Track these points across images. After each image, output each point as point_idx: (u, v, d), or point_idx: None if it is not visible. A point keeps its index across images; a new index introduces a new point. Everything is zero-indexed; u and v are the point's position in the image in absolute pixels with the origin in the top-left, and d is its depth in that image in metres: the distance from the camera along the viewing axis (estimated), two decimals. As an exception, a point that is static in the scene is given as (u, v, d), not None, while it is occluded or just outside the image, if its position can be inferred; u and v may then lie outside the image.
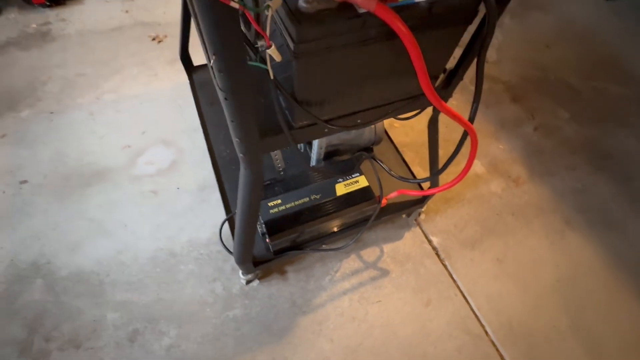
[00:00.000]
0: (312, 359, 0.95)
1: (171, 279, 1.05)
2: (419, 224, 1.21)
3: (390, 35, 0.44)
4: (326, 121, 0.58)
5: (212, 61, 0.39)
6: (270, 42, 0.40)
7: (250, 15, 0.36)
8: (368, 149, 1.05)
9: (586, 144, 1.49)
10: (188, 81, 1.32)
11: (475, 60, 0.58)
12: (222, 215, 1.16)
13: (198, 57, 1.34)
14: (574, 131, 1.53)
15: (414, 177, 1.10)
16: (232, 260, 1.08)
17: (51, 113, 1.37)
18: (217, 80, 0.44)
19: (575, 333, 1.05)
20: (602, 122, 1.57)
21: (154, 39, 1.65)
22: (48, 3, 1.69)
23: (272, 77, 0.45)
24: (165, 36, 1.67)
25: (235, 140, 0.55)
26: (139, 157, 1.28)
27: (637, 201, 1.34)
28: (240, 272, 0.99)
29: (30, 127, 1.33)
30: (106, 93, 1.45)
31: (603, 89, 1.70)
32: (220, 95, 0.46)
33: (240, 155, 0.58)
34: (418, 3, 0.46)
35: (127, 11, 1.75)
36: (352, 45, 0.45)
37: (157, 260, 1.08)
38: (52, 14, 1.71)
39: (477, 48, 0.57)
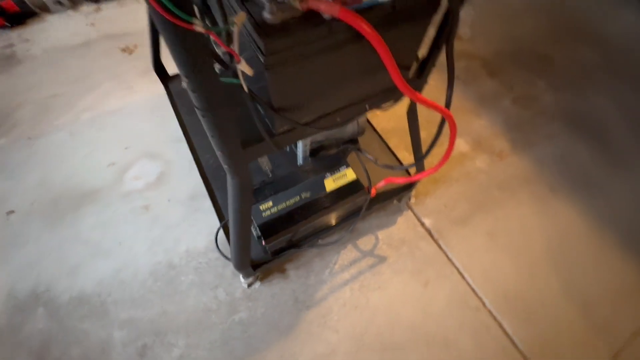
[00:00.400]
0: (320, 352, 0.98)
1: (173, 290, 1.06)
2: (410, 208, 1.24)
3: (358, 36, 0.45)
4: (306, 123, 0.59)
5: (184, 84, 0.40)
6: (240, 57, 0.41)
7: (216, 36, 0.36)
8: (353, 141, 1.06)
9: (563, 110, 1.53)
10: (163, 91, 1.30)
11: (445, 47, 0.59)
12: (216, 222, 1.16)
13: (172, 66, 1.32)
14: (551, 99, 1.56)
15: (400, 163, 1.12)
16: (231, 265, 1.10)
17: (29, 139, 1.34)
18: (192, 99, 0.45)
19: (567, 294, 1.10)
20: (577, 87, 1.61)
21: (124, 51, 1.62)
22: (8, 24, 1.63)
23: (246, 90, 0.45)
24: (136, 46, 1.63)
25: (218, 153, 0.55)
26: (125, 174, 1.27)
27: (615, 162, 1.39)
28: (241, 276, 1.01)
29: (10, 156, 1.30)
30: (83, 112, 1.42)
31: (575, 54, 1.73)
32: (198, 112, 0.46)
33: (225, 166, 0.59)
34: (380, 1, 0.46)
35: (92, 24, 1.70)
36: (322, 51, 0.46)
37: (157, 274, 1.09)
38: (13, 35, 1.65)
39: (445, 36, 0.58)
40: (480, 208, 1.25)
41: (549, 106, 1.54)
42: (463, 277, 1.12)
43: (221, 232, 1.03)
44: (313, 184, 0.93)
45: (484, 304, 1.07)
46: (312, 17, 0.43)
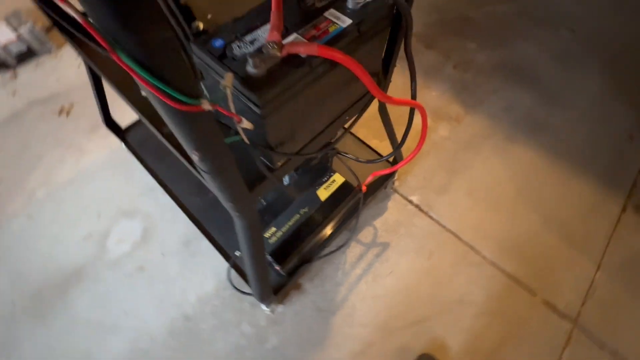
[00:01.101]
0: (358, 350, 1.03)
1: (198, 341, 1.04)
2: (396, 191, 1.31)
3: (334, 64, 0.48)
4: (300, 151, 0.61)
5: (194, 157, 0.40)
6: (240, 117, 0.42)
7: (220, 107, 0.37)
8: (327, 145, 1.10)
9: (497, 65, 1.68)
10: (120, 144, 1.24)
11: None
12: (218, 260, 1.15)
13: (123, 116, 1.26)
14: (484, 58, 1.71)
15: (379, 155, 1.18)
16: (247, 297, 1.10)
17: (-16, 236, 1.22)
18: (198, 165, 0.45)
19: (546, 225, 1.24)
20: (503, 41, 1.77)
21: (60, 113, 1.50)
22: None
23: (248, 142, 0.47)
24: (72, 105, 1.52)
25: (227, 204, 0.56)
26: (106, 241, 1.21)
27: (552, 100, 1.56)
28: (262, 305, 1.02)
29: (-32, 260, 1.18)
30: (36, 190, 1.31)
31: (494, 11, 1.89)
32: (206, 176, 0.47)
33: (234, 213, 0.59)
34: (346, 28, 0.49)
35: (14, 93, 1.56)
36: (306, 86, 0.48)
37: (175, 331, 1.06)
38: None
39: (401, 39, 0.63)
40: (455, 172, 1.36)
41: (484, 64, 1.68)
42: (460, 238, 1.21)
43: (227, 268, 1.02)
44: (308, 199, 0.95)
45: (483, 257, 1.18)
46: (290, 59, 0.45)
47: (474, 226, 1.24)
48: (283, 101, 0.46)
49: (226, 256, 1.01)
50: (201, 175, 0.50)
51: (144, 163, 1.18)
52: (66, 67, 1.64)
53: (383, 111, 0.85)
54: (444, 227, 1.24)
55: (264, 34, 0.48)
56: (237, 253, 0.99)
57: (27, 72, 1.63)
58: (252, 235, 0.67)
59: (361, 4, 0.51)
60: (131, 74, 0.28)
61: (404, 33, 0.58)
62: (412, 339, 1.05)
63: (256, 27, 0.49)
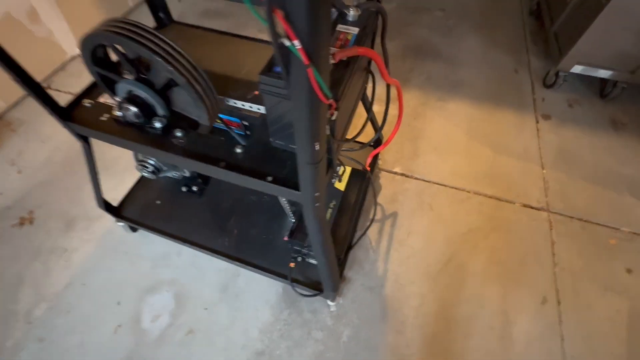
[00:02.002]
0: (416, 304, 1.17)
1: (281, 366, 1.06)
2: (381, 169, 1.51)
3: (355, 59, 0.64)
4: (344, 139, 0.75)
5: (316, 146, 0.52)
6: (333, 111, 0.55)
7: (330, 100, 0.50)
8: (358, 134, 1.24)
9: (404, 50, 2.04)
10: (111, 227, 1.22)
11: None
12: (262, 288, 1.19)
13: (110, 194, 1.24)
14: (392, 47, 2.05)
15: (361, 143, 1.35)
16: (306, 307, 1.16)
17: (-9, 383, 1.05)
18: (304, 158, 0.56)
19: (497, 151, 1.56)
20: (399, 31, 2.15)
21: (21, 224, 1.36)
22: None
23: (330, 134, 0.59)
24: (31, 212, 1.39)
25: (310, 196, 0.66)
26: (140, 324, 1.14)
27: (453, 62, 1.96)
28: (328, 302, 1.09)
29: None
30: (33, 310, 1.17)
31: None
32: (308, 167, 0.57)
33: (315, 204, 0.70)
34: (358, 34, 0.66)
35: (-49, 225, 1.36)
36: (349, 79, 0.63)
37: (255, 368, 1.06)
38: None
39: (383, 34, 0.82)
40: (416, 139, 1.62)
41: (394, 52, 2.02)
42: (444, 185, 1.45)
43: (282, 289, 1.08)
44: (330, 193, 1.08)
45: (468, 192, 1.44)
46: (339, 64, 0.60)
47: (449, 172, 1.50)
48: (344, 95, 0.60)
49: (278, 275, 1.07)
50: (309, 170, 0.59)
51: (155, 229, 1.16)
52: (4, 176, 1.48)
53: (364, 97, 1.04)
54: (429, 182, 1.47)
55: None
56: (285, 237, 1.05)
57: (-44, 199, 1.43)
58: (324, 224, 0.77)
59: (358, 15, 0.68)
60: (313, 82, 0.39)
61: (382, 30, 0.77)
62: (452, 274, 1.23)
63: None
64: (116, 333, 1.13)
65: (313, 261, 1.06)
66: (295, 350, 1.09)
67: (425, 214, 1.38)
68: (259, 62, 0.88)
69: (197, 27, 1.04)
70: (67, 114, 0.82)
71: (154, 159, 1.12)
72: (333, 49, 0.61)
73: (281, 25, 0.33)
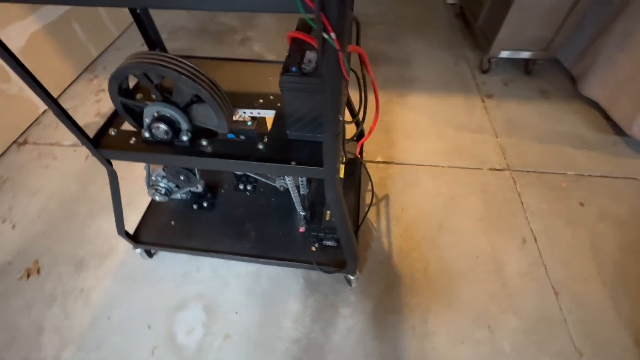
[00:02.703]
0: (422, 268, 1.32)
1: (317, 348, 1.15)
2: (366, 161, 1.69)
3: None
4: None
5: (340, 119, 0.67)
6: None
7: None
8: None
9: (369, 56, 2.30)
10: (125, 259, 1.30)
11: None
12: (285, 282, 1.29)
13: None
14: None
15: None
16: (328, 290, 1.27)
17: None
18: (332, 131, 0.71)
19: (458, 129, 1.82)
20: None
21: (29, 276, 1.34)
22: None
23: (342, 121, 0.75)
24: (36, 261, 1.38)
25: (332, 172, 0.81)
26: (176, 341, 1.18)
27: (404, 63, 2.25)
28: (351, 279, 1.21)
29: None
30: (61, 353, 1.16)
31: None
32: (332, 139, 0.73)
33: (333, 182, 0.84)
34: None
35: (-51, 292, 1.30)
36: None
37: (297, 356, 1.14)
38: None
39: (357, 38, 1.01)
40: (389, 130, 1.83)
41: (354, 61, 2.27)
42: (423, 165, 1.66)
43: (302, 280, 1.19)
44: (333, 181, 1.23)
45: (442, 167, 1.66)
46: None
47: (423, 153, 1.72)
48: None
49: (303, 262, 1.17)
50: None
51: (177, 247, 1.22)
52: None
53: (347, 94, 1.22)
54: (408, 164, 1.67)
55: (311, 57, 0.78)
56: (301, 229, 1.17)
57: (-52, 266, 1.37)
58: (342, 202, 0.92)
59: (341, 24, 0.86)
60: (341, 63, 0.55)
61: (357, 34, 0.96)
62: (445, 236, 1.41)
63: (304, 55, 0.78)
64: (154, 355, 1.15)
65: (329, 243, 1.18)
66: (329, 329, 1.19)
67: (412, 191, 1.57)
68: (253, 78, 1.04)
69: (190, 57, 1.17)
70: (97, 143, 0.90)
71: (165, 182, 1.21)
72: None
73: (323, 24, 0.49)
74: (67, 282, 1.32)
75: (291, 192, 1.18)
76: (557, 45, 1.94)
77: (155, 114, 0.86)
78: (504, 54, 2.02)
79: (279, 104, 0.98)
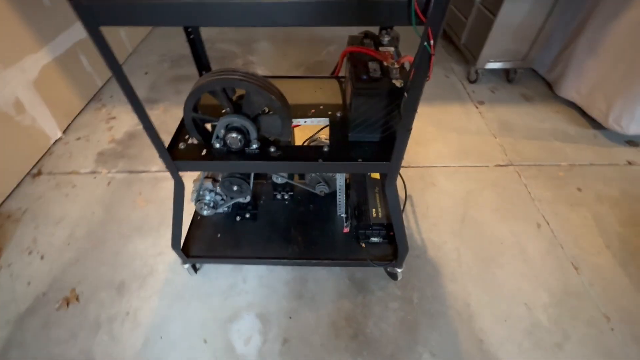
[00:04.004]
0: (455, 258, 1.43)
1: (374, 342, 1.20)
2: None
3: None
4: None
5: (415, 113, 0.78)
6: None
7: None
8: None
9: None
10: (168, 277, 1.32)
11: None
12: (330, 284, 1.34)
13: (153, 250, 1.30)
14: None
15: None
16: (374, 287, 1.33)
17: None
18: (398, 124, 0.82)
19: (460, 135, 2.00)
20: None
21: (68, 304, 1.30)
22: None
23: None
24: (73, 290, 1.34)
25: (396, 169, 0.91)
26: (235, 351, 1.19)
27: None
28: (398, 272, 1.29)
29: None
30: (117, 378, 1.13)
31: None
32: (404, 136, 0.83)
33: (394, 177, 0.94)
34: (395, 50, 0.97)
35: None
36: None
37: (356, 350, 1.18)
38: None
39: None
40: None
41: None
42: (436, 166, 1.81)
43: (348, 280, 1.25)
44: (373, 182, 1.33)
45: (454, 167, 1.81)
46: (402, 67, 0.89)
47: (435, 156, 1.87)
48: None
49: (354, 260, 1.24)
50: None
51: (228, 257, 1.25)
52: (25, 266, 1.40)
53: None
54: (423, 167, 1.81)
55: (375, 67, 0.90)
56: (346, 229, 1.24)
57: (-25, 304, 1.30)
58: (398, 196, 1.02)
59: (388, 39, 1.00)
60: (431, 65, 0.66)
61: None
62: (470, 227, 1.53)
63: (367, 65, 0.90)
64: (215, 367, 1.15)
65: (376, 239, 1.26)
66: (381, 323, 1.25)
67: (431, 190, 1.69)
68: (299, 91, 1.14)
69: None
70: (174, 156, 0.94)
71: (211, 195, 1.26)
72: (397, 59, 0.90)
73: (427, 36, 0.61)
74: (110, 307, 1.29)
75: (337, 194, 1.27)
76: (532, 56, 2.22)
77: (227, 126, 0.93)
78: (490, 65, 2.26)
79: (329, 112, 1.09)
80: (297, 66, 2.61)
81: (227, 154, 0.95)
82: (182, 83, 2.43)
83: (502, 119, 2.12)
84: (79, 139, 1.99)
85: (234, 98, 0.94)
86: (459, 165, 1.82)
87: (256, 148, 0.96)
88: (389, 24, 0.62)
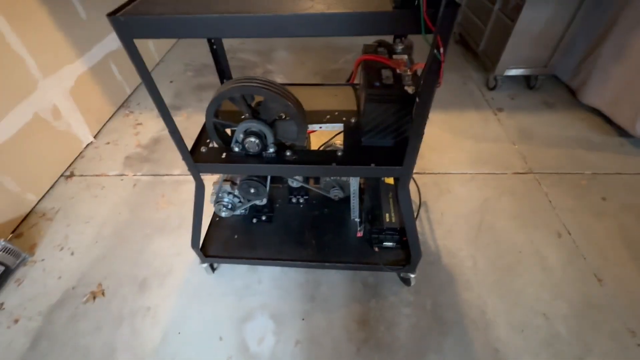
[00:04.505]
0: (470, 266, 1.41)
1: (385, 347, 1.20)
2: (399, 173, 1.81)
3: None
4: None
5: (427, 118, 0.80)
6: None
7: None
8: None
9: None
10: (187, 276, 1.37)
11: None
12: (344, 288, 1.35)
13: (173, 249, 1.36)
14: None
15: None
16: (387, 292, 1.33)
17: None
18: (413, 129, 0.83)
19: (478, 141, 1.98)
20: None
21: (95, 298, 1.38)
22: None
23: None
24: (99, 284, 1.42)
25: (408, 174, 0.92)
26: (249, 351, 1.22)
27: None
28: (411, 277, 1.29)
29: None
30: (137, 370, 1.18)
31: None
32: (416, 141, 0.85)
33: (407, 180, 0.96)
34: (409, 58, 0.99)
35: (16, 321, 1.33)
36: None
37: (366, 354, 1.18)
38: None
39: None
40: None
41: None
42: (452, 173, 1.80)
43: (361, 284, 1.26)
44: (387, 187, 1.34)
45: (471, 174, 1.79)
46: (415, 73, 0.91)
47: (450, 163, 1.86)
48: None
49: (367, 264, 1.25)
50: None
51: (244, 258, 1.29)
52: (56, 261, 1.50)
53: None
54: (439, 173, 1.80)
55: (387, 74, 0.92)
56: (359, 233, 1.25)
57: (12, 294, 1.40)
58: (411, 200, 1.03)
59: (401, 47, 1.02)
60: (441, 71, 0.68)
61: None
62: (486, 234, 1.51)
63: (380, 72, 0.93)
64: (230, 364, 1.18)
65: (389, 244, 1.27)
66: (394, 328, 1.25)
67: (446, 197, 1.68)
68: (315, 97, 1.18)
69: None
70: (196, 158, 1.00)
71: (229, 197, 1.31)
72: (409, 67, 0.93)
73: (436, 42, 0.63)
74: (132, 302, 1.36)
75: (351, 198, 1.29)
76: (554, 62, 2.17)
77: (246, 130, 0.98)
78: (509, 72, 2.24)
79: (344, 118, 1.12)
80: (314, 74, 2.67)
81: (246, 157, 1.00)
82: (205, 91, 2.54)
83: (522, 126, 2.08)
84: (108, 143, 2.11)
85: (253, 104, 0.99)
86: (475, 172, 1.80)
87: (273, 152, 1.00)
88: (399, 33, 0.65)
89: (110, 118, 2.29)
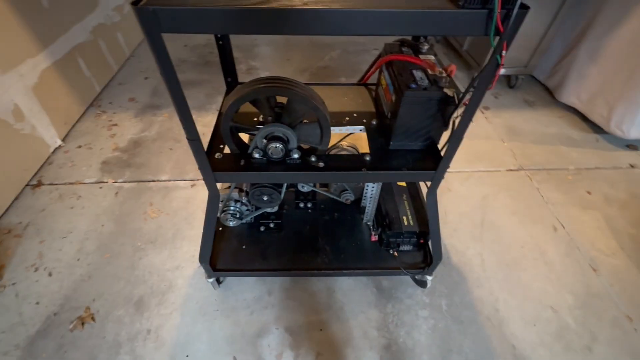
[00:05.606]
0: (479, 263, 1.44)
1: (407, 352, 1.19)
2: (400, 172, 1.80)
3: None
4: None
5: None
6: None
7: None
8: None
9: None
10: (189, 292, 1.28)
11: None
12: (359, 294, 1.32)
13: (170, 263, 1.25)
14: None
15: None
16: (403, 296, 1.32)
17: None
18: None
19: (467, 138, 2.02)
20: (354, 68, 2.60)
21: (83, 324, 1.22)
22: None
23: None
24: (88, 309, 1.26)
25: (441, 178, 0.90)
26: (267, 367, 1.14)
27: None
28: (428, 279, 1.28)
29: None
30: (144, 402, 1.06)
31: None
32: (455, 143, 0.83)
33: (437, 185, 0.94)
34: (436, 59, 0.97)
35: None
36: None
37: (387, 356, 1.16)
38: None
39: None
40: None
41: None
42: (450, 172, 1.82)
43: (376, 289, 1.24)
44: (400, 189, 1.32)
45: (469, 172, 1.83)
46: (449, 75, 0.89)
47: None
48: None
49: (386, 269, 1.22)
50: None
51: (255, 270, 1.21)
52: (31, 284, 1.31)
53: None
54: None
55: (420, 75, 0.89)
56: (374, 237, 1.22)
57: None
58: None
59: (427, 48, 0.99)
60: (498, 72, 0.65)
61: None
62: (489, 231, 1.55)
63: (412, 73, 0.89)
64: (248, 386, 1.10)
65: (406, 248, 1.25)
66: (413, 331, 1.23)
67: (448, 196, 1.70)
68: (329, 98, 1.12)
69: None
70: (213, 167, 0.90)
71: (236, 205, 1.22)
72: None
73: (501, 47, 0.60)
74: (130, 326, 1.22)
75: (367, 202, 1.25)
76: (533, 63, 2.28)
77: (267, 135, 0.90)
78: (493, 71, 2.31)
79: (364, 120, 1.07)
80: (302, 72, 2.59)
81: (268, 164, 0.92)
82: (186, 89, 2.36)
83: (508, 124, 2.16)
84: (80, 147, 1.89)
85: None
86: (472, 170, 1.84)
87: (298, 158, 0.93)
88: (465, 34, 0.61)
89: (79, 119, 2.06)
